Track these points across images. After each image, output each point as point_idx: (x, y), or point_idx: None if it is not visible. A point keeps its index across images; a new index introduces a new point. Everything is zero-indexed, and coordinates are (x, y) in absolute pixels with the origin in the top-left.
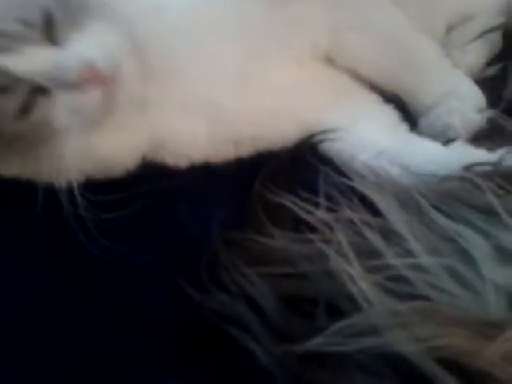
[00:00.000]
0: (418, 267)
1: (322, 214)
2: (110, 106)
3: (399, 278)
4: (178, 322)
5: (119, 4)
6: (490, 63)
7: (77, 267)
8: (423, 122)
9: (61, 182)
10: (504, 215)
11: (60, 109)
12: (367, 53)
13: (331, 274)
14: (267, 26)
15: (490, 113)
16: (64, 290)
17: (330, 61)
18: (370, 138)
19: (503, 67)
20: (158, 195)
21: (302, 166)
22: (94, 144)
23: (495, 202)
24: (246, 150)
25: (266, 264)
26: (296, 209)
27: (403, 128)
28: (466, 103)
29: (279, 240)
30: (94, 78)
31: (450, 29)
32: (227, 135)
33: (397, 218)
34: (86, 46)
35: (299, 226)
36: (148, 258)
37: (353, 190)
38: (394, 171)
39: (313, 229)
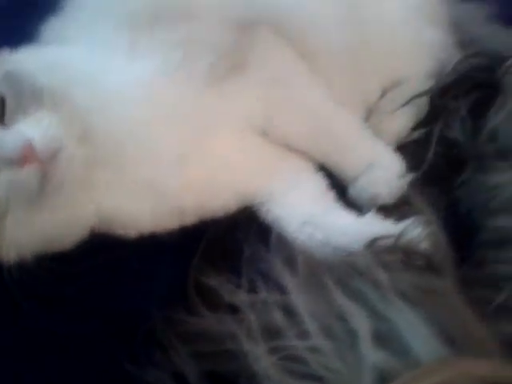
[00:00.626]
0: (313, 348)
1: (242, 295)
2: (48, 184)
3: (298, 359)
4: None
5: (69, 92)
6: (415, 127)
7: (19, 336)
8: (351, 191)
9: (4, 256)
10: (390, 294)
11: (1, 185)
12: (293, 130)
13: (242, 353)
14: (204, 106)
15: (410, 178)
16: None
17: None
18: (297, 209)
19: (428, 131)
20: (102, 268)
21: (232, 242)
22: (38, 220)
23: (384, 279)
24: (189, 219)
25: (195, 342)
26: (221, 291)
27: (330, 197)
28: (387, 172)
29: (207, 320)
30: (30, 155)
31: (383, 93)
32: (171, 208)
33: (299, 298)
34: (27, 126)
35: (226, 306)
36: (88, 330)
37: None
38: (316, 242)
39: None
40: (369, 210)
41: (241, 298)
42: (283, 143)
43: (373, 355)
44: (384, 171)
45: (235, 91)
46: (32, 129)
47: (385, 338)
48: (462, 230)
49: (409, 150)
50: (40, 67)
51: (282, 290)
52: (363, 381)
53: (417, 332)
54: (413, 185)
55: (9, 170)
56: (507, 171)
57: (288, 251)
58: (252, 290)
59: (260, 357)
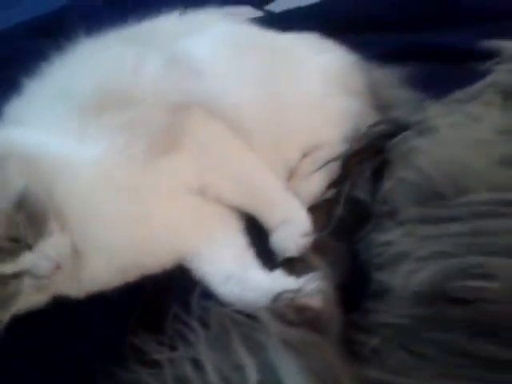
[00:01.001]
0: None
1: (164, 352)
2: None
3: None
4: None
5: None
6: (328, 187)
7: None
8: (271, 242)
9: None
10: (280, 345)
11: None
12: (224, 191)
13: None
14: (146, 178)
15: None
16: None
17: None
18: (221, 265)
19: (338, 191)
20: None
21: (163, 301)
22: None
23: (277, 332)
24: (131, 276)
25: None
26: (148, 349)
27: (250, 254)
28: (297, 229)
29: (135, 374)
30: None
31: (303, 157)
32: (118, 267)
33: (206, 353)
34: (50, 249)
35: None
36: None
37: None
38: (235, 297)
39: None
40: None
41: (162, 354)
42: (217, 200)
43: None
44: (294, 228)
45: (173, 161)
46: (53, 250)
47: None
48: (359, 281)
49: (322, 207)
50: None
51: (194, 345)
52: None
53: (295, 379)
54: (318, 241)
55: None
56: (393, 231)
57: (204, 308)
58: (173, 346)
59: None
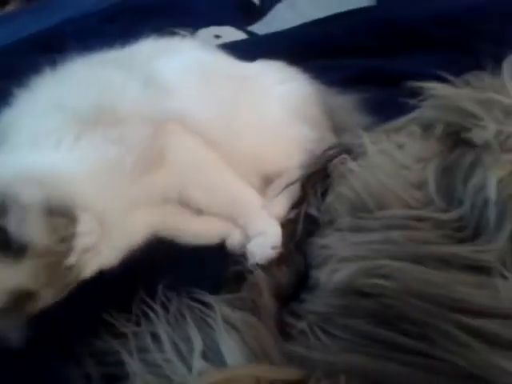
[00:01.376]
0: (167, 359)
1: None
2: None
3: (156, 365)
4: None
5: None
6: (291, 208)
7: None
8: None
9: None
10: (223, 325)
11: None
12: (204, 204)
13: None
14: (134, 187)
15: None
16: None
17: None
18: None
19: (298, 212)
20: None
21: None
22: None
23: (223, 316)
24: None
25: (99, 356)
26: (118, 324)
27: None
28: (270, 242)
29: (107, 343)
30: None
31: (267, 182)
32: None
33: (164, 328)
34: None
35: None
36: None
37: None
38: None
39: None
40: None
41: (129, 328)
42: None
43: (199, 364)
44: (268, 240)
45: (158, 174)
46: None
47: (211, 354)
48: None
49: (287, 226)
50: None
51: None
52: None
53: (233, 351)
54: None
55: None
56: (330, 236)
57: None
58: (138, 323)
59: (133, 364)
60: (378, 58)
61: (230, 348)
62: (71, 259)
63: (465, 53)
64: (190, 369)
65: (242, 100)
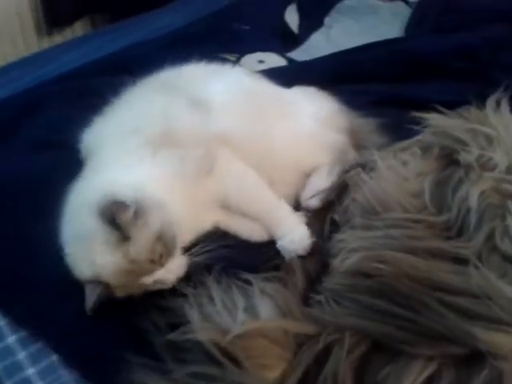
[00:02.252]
0: (218, 311)
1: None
2: None
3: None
4: None
5: None
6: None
7: None
8: (278, 245)
9: None
10: (260, 292)
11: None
12: (243, 209)
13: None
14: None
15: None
16: None
17: None
18: None
19: (325, 216)
20: None
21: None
22: None
23: (261, 286)
24: None
25: (166, 312)
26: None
27: None
28: (300, 237)
29: (174, 302)
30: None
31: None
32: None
33: (217, 292)
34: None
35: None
36: None
37: None
38: None
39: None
40: None
41: (189, 291)
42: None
43: (241, 316)
44: (298, 236)
45: (209, 184)
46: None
47: (250, 311)
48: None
49: (316, 226)
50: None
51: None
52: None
53: (267, 310)
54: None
55: None
56: (346, 233)
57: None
58: (195, 287)
59: (192, 315)
60: (399, 86)
61: (264, 308)
62: (148, 280)
63: (478, 83)
64: (234, 320)
65: (277, 116)
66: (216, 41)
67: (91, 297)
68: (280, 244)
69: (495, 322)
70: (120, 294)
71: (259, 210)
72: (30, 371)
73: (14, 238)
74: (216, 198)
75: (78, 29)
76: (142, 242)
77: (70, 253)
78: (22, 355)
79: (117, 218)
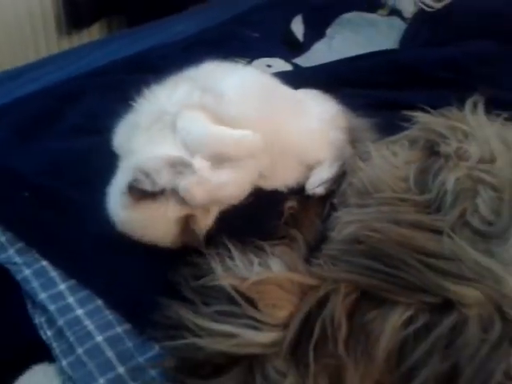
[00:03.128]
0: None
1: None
2: None
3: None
4: None
5: None
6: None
7: None
8: None
9: None
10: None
11: None
12: None
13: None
14: None
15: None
16: None
17: None
18: None
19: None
20: None
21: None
22: None
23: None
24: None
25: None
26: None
27: None
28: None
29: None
30: None
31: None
32: None
33: (236, 255)
34: None
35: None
36: None
37: None
38: None
39: None
40: None
41: (211, 253)
42: None
43: (256, 269)
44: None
45: None
46: None
47: (263, 266)
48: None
49: (317, 209)
50: None
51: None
52: (252, 275)
53: (276, 265)
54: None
55: None
56: (342, 210)
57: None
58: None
59: (215, 266)
60: (393, 91)
61: (275, 265)
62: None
63: (460, 90)
64: (250, 271)
65: (287, 111)
66: (228, 46)
67: None
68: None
69: (463, 279)
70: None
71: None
72: (79, 312)
73: (60, 202)
74: None
75: (96, 30)
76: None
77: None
78: (71, 299)
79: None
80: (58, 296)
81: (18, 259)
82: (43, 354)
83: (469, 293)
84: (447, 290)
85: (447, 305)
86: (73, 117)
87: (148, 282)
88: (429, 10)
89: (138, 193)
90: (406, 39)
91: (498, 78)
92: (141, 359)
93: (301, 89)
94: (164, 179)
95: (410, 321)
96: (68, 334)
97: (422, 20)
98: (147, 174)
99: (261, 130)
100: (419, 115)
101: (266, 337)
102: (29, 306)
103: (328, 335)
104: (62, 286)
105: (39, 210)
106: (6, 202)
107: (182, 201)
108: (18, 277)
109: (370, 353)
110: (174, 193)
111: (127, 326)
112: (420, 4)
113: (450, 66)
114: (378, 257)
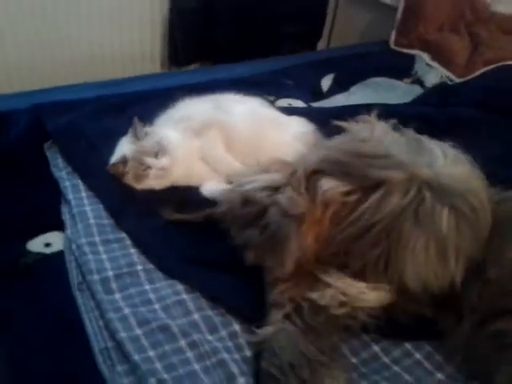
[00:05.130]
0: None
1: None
2: None
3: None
4: None
5: None
6: None
7: None
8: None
9: None
10: None
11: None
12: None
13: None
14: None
15: None
16: None
17: None
18: None
19: None
20: None
21: None
22: None
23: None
24: None
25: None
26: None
27: None
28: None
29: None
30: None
31: None
32: None
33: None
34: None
35: None
36: None
37: None
38: None
39: None
40: None
41: None
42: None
43: None
44: None
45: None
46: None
47: None
48: None
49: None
50: None
51: None
52: None
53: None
54: None
55: None
56: None
57: None
58: None
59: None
60: None
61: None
62: None
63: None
64: None
65: (269, 128)
66: (266, 87)
67: None
68: None
69: (392, 168)
70: None
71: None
72: (87, 208)
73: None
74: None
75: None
76: None
77: None
78: (86, 202)
79: None
80: (79, 199)
81: (65, 176)
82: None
83: (395, 175)
84: (379, 176)
85: (379, 185)
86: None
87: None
88: (450, 83)
89: None
90: (415, 100)
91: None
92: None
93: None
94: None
95: (348, 193)
96: (77, 219)
97: (438, 88)
98: None
99: (251, 138)
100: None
101: None
102: (62, 203)
103: None
104: (84, 194)
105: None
106: (71, 149)
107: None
108: (61, 185)
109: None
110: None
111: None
112: (445, 78)
113: (427, 121)
114: (335, 160)
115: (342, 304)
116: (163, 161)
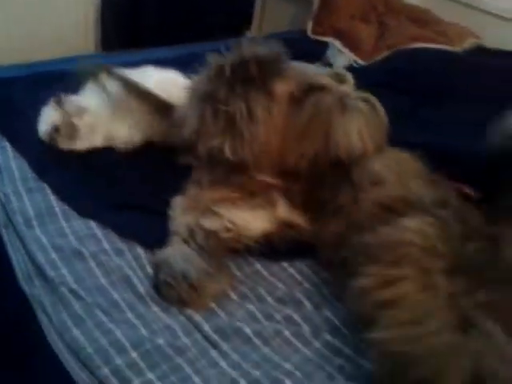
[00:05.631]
0: None
1: None
2: None
3: None
4: None
5: None
6: None
7: None
8: None
9: None
10: None
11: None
12: None
13: None
14: None
15: None
16: None
17: None
18: None
19: None
20: None
21: None
22: None
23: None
24: None
25: None
26: None
27: None
28: None
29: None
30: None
31: None
32: None
33: None
34: None
35: None
36: None
37: None
38: None
39: None
40: None
41: None
42: None
43: None
44: None
45: None
46: None
47: None
48: None
49: None
50: None
51: None
52: None
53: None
54: None
55: None
56: None
57: None
58: None
59: None
60: None
61: None
62: None
63: None
64: None
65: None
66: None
67: None
68: None
69: None
70: None
71: None
72: None
73: None
74: None
75: None
76: None
77: None
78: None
79: None
80: (6, 158)
81: None
82: None
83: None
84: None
85: None
86: None
87: None
88: (356, 66)
89: None
90: None
91: None
92: None
93: None
94: None
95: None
96: (4, 174)
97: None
98: None
99: None
100: None
101: None
102: None
103: None
104: (11, 155)
105: None
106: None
107: None
108: None
109: None
110: None
111: None
112: (352, 62)
113: None
114: None
115: (229, 230)
116: (88, 119)
